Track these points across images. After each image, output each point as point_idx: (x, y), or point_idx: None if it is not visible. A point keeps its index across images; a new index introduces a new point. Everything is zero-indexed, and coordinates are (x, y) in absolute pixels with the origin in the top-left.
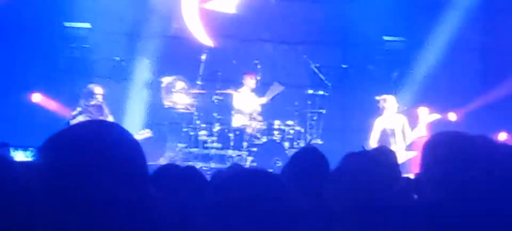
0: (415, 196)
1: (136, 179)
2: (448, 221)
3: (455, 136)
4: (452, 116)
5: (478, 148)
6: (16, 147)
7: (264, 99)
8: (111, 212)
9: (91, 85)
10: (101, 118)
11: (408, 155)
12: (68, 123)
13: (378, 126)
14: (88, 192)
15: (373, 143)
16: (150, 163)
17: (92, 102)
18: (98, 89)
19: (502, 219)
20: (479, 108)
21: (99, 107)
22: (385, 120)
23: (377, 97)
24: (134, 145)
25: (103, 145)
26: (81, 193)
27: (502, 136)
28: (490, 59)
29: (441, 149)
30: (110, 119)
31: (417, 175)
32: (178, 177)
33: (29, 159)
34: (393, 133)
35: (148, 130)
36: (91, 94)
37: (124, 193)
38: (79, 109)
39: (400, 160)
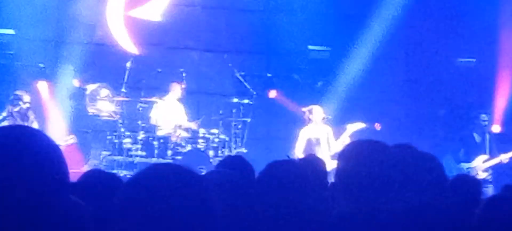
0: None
1: (56, 185)
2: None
3: (368, 144)
4: (377, 126)
5: (391, 156)
6: None
7: (193, 125)
8: (30, 217)
9: (18, 92)
10: (26, 124)
11: (333, 165)
12: None
13: (303, 136)
14: (6, 197)
15: (298, 152)
16: (73, 170)
17: (17, 109)
18: (25, 97)
19: (412, 227)
20: (403, 117)
21: (24, 114)
22: (310, 130)
23: (303, 109)
24: (55, 151)
25: (23, 150)
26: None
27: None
28: (414, 69)
29: (354, 158)
30: (35, 125)
31: (332, 184)
32: (99, 182)
33: None
34: (318, 142)
35: (72, 136)
36: (18, 100)
37: (43, 199)
38: (4, 114)
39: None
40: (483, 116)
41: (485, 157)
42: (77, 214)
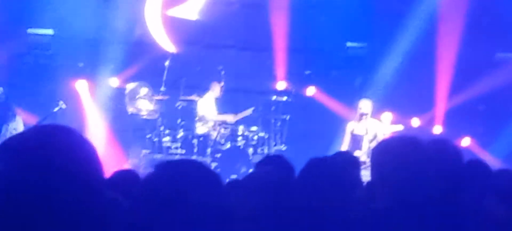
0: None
1: (91, 182)
2: (399, 227)
3: (403, 140)
4: (415, 122)
5: (426, 151)
6: None
7: (232, 117)
8: (66, 216)
9: None
10: None
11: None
12: None
13: (349, 130)
14: (42, 195)
15: (344, 147)
16: (113, 169)
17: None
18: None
19: (449, 221)
20: (443, 113)
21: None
22: (357, 124)
23: (359, 102)
24: (89, 149)
25: (57, 149)
26: (33, 199)
27: (465, 141)
28: (452, 64)
29: (389, 154)
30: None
31: (369, 181)
32: (136, 181)
33: None
34: (362, 138)
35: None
36: None
37: (78, 197)
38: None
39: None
40: None
41: None
42: (114, 209)
